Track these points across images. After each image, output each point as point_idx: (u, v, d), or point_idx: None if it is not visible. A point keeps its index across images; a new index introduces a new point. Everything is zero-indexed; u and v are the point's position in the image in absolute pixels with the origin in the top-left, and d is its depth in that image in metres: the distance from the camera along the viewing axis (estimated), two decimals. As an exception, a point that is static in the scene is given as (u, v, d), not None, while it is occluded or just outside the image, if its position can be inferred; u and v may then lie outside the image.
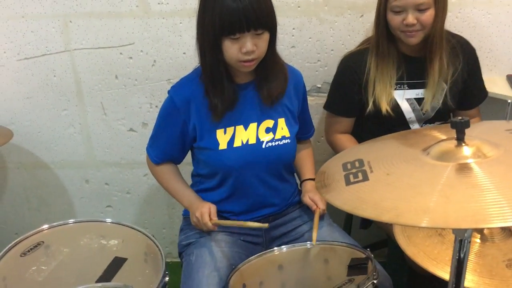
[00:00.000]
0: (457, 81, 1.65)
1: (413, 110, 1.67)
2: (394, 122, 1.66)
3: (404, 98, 1.66)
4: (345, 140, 1.75)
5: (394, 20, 1.54)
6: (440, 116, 1.70)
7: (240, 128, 1.45)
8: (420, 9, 1.50)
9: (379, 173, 0.92)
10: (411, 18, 1.50)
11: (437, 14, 1.52)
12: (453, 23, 1.83)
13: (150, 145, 1.57)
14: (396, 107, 1.65)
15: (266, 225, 1.38)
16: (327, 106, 1.79)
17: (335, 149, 1.78)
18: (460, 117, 0.91)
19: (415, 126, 1.70)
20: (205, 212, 1.42)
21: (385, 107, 1.62)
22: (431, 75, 1.62)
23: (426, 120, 1.70)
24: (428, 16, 1.51)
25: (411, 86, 1.66)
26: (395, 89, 1.65)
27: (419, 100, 1.66)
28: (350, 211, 0.85)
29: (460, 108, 1.73)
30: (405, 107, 1.66)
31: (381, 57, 1.62)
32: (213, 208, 1.44)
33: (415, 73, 1.65)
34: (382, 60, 1.62)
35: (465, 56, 1.66)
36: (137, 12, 1.87)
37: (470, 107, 1.75)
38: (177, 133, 1.47)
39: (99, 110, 2.03)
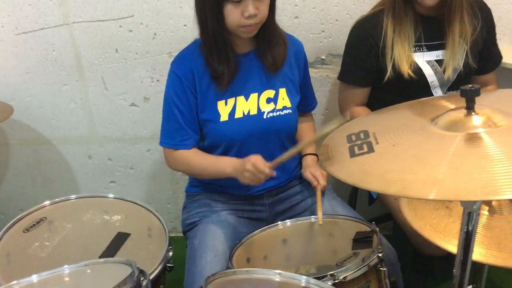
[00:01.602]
0: (477, 40, 1.61)
1: (435, 72, 1.60)
2: (416, 88, 1.59)
3: (424, 60, 1.60)
4: (363, 112, 1.68)
5: None
6: (463, 80, 1.63)
7: (241, 99, 1.43)
8: None
9: (385, 144, 0.90)
10: None
11: None
12: (462, -9, 1.78)
13: (169, 137, 1.47)
14: (418, 70, 1.58)
15: (347, 117, 1.19)
16: (341, 76, 1.71)
17: None
18: (470, 85, 0.87)
19: (438, 92, 1.63)
20: (257, 160, 1.31)
21: (406, 70, 1.56)
22: (451, 36, 1.57)
23: (449, 86, 1.64)
24: None
25: (430, 48, 1.60)
26: (414, 51, 1.59)
27: (440, 62, 1.61)
28: (355, 184, 0.83)
29: (479, 72, 1.68)
30: (427, 70, 1.60)
31: (398, 18, 1.55)
32: (259, 156, 1.34)
33: (433, 34, 1.59)
34: (400, 21, 1.55)
35: (483, 15, 1.61)
36: (136, -17, 1.83)
37: (489, 70, 1.71)
38: (192, 105, 1.42)
39: (100, 84, 2.01)
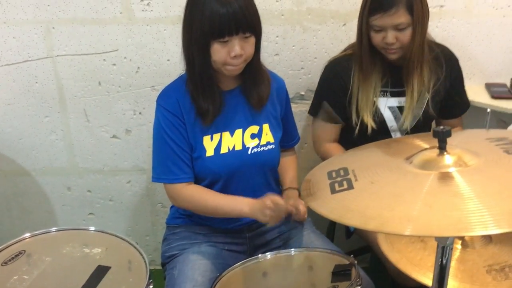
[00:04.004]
0: (439, 90, 1.68)
1: (395, 118, 1.69)
2: (377, 131, 1.66)
3: (386, 106, 1.68)
4: (336, 150, 1.74)
5: (375, 38, 1.56)
6: (421, 126, 1.71)
7: (226, 134, 1.46)
8: (399, 28, 1.51)
9: (363, 181, 0.94)
10: (390, 37, 1.52)
11: (415, 32, 1.53)
12: (433, 33, 1.86)
13: (163, 172, 1.45)
14: (379, 115, 1.67)
15: None
16: (312, 111, 1.78)
17: (326, 159, 1.79)
18: (442, 127, 0.93)
19: (396, 135, 1.71)
20: (275, 197, 1.33)
21: (369, 121, 1.64)
22: (410, 87, 1.64)
23: (408, 131, 1.71)
24: (407, 35, 1.53)
25: (394, 94, 1.67)
26: (379, 96, 1.66)
27: (401, 109, 1.68)
28: (336, 220, 0.86)
29: (442, 117, 1.76)
30: (388, 115, 1.68)
31: (364, 72, 1.63)
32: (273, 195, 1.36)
33: (398, 82, 1.66)
34: (365, 74, 1.63)
35: (448, 66, 1.68)
36: (121, 19, 1.87)
37: (453, 117, 1.78)
38: (185, 136, 1.43)
39: (82, 116, 2.02)
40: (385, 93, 1.67)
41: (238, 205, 1.41)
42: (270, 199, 1.33)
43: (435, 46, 1.68)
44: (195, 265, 1.43)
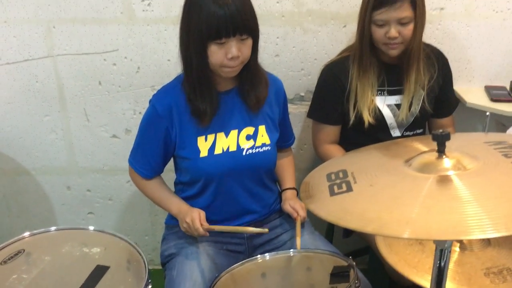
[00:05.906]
0: (434, 87, 1.72)
1: (394, 115, 1.71)
2: (376, 129, 1.69)
3: (385, 104, 1.70)
4: (335, 151, 1.76)
5: (377, 32, 1.58)
6: (419, 122, 1.75)
7: (221, 135, 1.46)
8: (402, 22, 1.55)
9: (362, 184, 0.94)
10: (393, 31, 1.55)
11: (416, 27, 1.57)
12: (434, 35, 1.88)
13: (133, 157, 1.55)
14: (378, 113, 1.69)
15: (266, 230, 1.38)
16: (311, 114, 1.80)
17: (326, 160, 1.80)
18: (441, 130, 0.93)
19: (396, 133, 1.74)
20: (196, 217, 1.41)
21: (367, 117, 1.67)
22: (407, 84, 1.68)
23: (406, 127, 1.75)
24: (409, 29, 1.57)
25: (391, 93, 1.71)
26: (377, 95, 1.70)
27: (399, 106, 1.71)
28: (335, 222, 0.86)
29: (437, 115, 1.79)
30: (387, 112, 1.70)
31: (363, 67, 1.65)
32: (202, 213, 1.44)
33: (394, 80, 1.70)
34: (364, 69, 1.66)
35: (439, 64, 1.73)
36: (121, 19, 1.87)
37: (446, 114, 1.81)
38: (161, 141, 1.47)
39: (81, 116, 2.02)
40: (382, 92, 1.70)
41: (168, 204, 1.54)
42: (191, 217, 1.42)
43: (425, 46, 1.72)
44: (194, 265, 1.44)
